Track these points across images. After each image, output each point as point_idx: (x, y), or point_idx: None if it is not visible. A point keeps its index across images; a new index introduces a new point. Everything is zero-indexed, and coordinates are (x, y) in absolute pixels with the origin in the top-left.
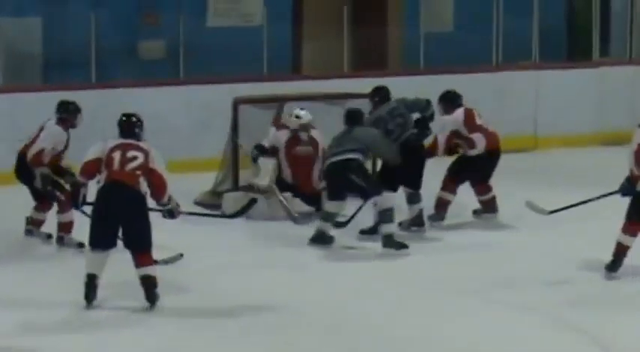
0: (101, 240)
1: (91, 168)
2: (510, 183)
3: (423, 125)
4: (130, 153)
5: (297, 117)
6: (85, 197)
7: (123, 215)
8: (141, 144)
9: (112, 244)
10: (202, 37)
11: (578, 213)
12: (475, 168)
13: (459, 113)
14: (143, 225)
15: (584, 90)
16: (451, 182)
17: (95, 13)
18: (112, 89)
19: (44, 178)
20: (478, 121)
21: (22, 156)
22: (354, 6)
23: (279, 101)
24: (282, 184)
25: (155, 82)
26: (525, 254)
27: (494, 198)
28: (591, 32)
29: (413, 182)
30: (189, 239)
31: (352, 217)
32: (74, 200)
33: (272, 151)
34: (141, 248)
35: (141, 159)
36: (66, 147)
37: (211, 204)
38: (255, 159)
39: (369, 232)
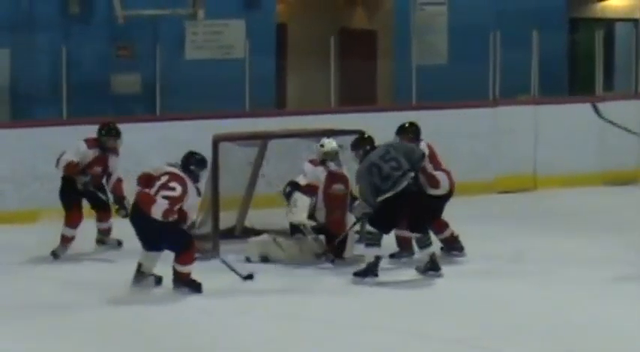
0: (142, 243)
1: (145, 180)
2: (508, 226)
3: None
4: (173, 184)
5: (321, 145)
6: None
7: (144, 232)
8: (189, 181)
9: (153, 248)
10: (180, 71)
11: (579, 260)
12: (432, 208)
13: (424, 147)
14: (164, 238)
15: (587, 127)
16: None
17: (66, 45)
18: (84, 126)
19: (85, 184)
20: (439, 158)
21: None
22: (341, 37)
23: (262, 138)
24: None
25: (130, 118)
26: (519, 301)
27: (453, 234)
28: (594, 64)
29: (417, 225)
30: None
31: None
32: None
33: (309, 189)
34: (175, 251)
35: (177, 192)
36: (95, 163)
37: None
38: (289, 195)
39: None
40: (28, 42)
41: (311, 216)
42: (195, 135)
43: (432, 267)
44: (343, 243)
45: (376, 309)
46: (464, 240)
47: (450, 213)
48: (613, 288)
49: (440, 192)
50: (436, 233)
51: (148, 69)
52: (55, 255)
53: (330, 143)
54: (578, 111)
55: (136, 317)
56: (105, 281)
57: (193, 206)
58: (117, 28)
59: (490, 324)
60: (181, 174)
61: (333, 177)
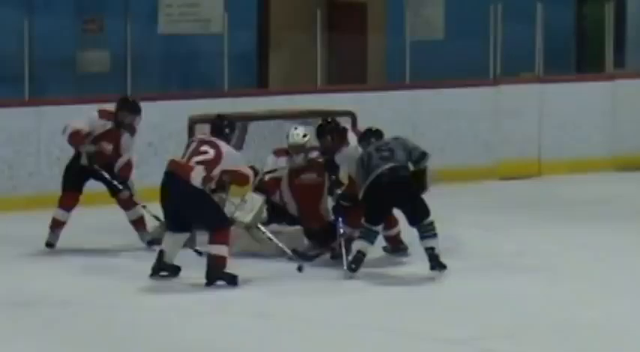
0: (170, 223)
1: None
2: (510, 215)
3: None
4: (204, 148)
5: (287, 136)
6: None
7: (178, 205)
8: (221, 144)
9: (181, 228)
10: (153, 47)
11: (587, 253)
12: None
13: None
14: (200, 211)
15: (596, 107)
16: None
17: (29, 19)
18: (47, 106)
19: (90, 156)
20: None
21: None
22: (329, 10)
23: (243, 120)
24: (288, 218)
25: (98, 98)
26: (523, 298)
27: (400, 234)
28: (604, 40)
29: (412, 216)
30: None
31: (317, 255)
32: None
33: (272, 185)
34: (208, 228)
35: (210, 154)
36: (105, 138)
37: None
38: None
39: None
40: None
41: (283, 210)
42: (170, 116)
43: (431, 264)
44: (327, 235)
45: (370, 308)
46: (461, 230)
47: (448, 200)
48: (625, 283)
49: None
50: (384, 228)
51: (117, 45)
52: (49, 245)
53: (294, 136)
54: (587, 91)
55: (103, 316)
56: (65, 277)
57: (237, 161)
58: (84, 0)
59: (491, 323)
60: (210, 138)
61: (301, 167)
